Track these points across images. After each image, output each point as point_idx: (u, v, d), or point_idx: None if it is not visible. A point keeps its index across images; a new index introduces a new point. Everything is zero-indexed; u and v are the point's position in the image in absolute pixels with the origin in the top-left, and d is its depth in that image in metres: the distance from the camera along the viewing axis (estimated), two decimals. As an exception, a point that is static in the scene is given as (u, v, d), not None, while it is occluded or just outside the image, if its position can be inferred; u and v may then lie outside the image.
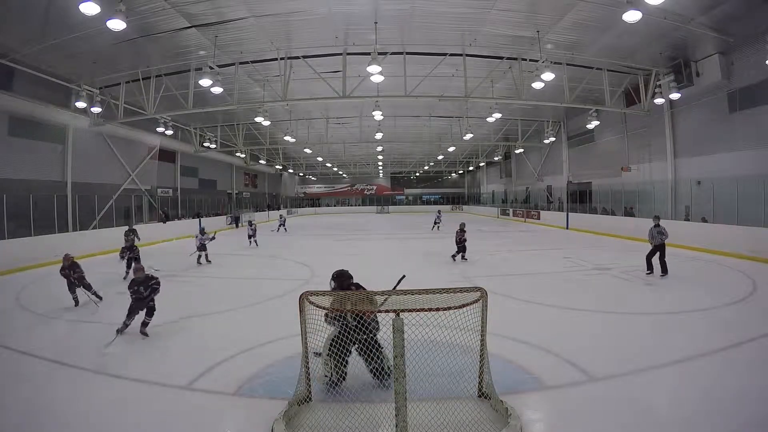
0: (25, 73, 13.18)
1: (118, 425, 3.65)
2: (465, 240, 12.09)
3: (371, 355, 4.13)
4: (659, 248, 9.43)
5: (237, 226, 27.57)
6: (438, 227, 23.48)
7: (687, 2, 10.40)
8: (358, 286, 5.32)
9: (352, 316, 3.93)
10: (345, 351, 4.07)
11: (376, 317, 4.14)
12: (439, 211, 26.61)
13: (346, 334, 3.91)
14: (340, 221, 34.48)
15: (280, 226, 24.38)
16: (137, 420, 3.72)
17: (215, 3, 10.42)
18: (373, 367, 4.20)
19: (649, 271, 9.51)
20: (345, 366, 4.15)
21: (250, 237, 17.23)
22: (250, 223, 18.07)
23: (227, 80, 14.08)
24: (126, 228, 13.89)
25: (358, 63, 13.25)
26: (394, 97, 15.50)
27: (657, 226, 9.53)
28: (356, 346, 4.14)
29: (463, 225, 12.40)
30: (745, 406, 3.75)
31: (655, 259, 9.49)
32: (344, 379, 4.15)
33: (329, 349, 4.04)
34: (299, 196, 54.15)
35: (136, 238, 11.76)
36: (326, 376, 4.08)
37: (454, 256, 12.30)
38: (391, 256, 14.03)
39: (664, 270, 9.33)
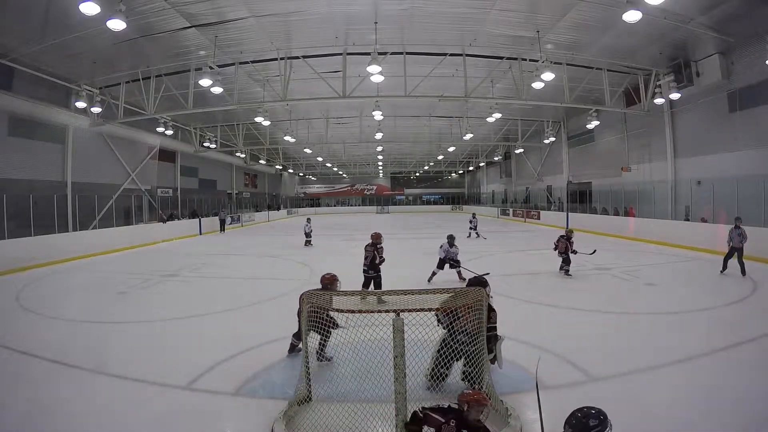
0: (25, 73, 13.17)
1: (118, 425, 3.65)
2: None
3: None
4: None
5: (223, 229, 24.93)
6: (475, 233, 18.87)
7: (687, 2, 10.40)
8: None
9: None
10: None
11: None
12: (474, 215, 20.38)
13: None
14: (340, 221, 34.44)
15: (306, 240, 16.78)
16: (137, 420, 3.72)
17: (215, 3, 10.42)
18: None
19: None
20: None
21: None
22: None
23: (227, 80, 14.07)
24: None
25: (358, 63, 13.24)
26: (394, 97, 15.50)
27: None
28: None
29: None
30: (745, 406, 3.75)
31: None
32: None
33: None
34: (299, 196, 54.08)
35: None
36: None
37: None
38: (392, 255, 13.97)
39: None
